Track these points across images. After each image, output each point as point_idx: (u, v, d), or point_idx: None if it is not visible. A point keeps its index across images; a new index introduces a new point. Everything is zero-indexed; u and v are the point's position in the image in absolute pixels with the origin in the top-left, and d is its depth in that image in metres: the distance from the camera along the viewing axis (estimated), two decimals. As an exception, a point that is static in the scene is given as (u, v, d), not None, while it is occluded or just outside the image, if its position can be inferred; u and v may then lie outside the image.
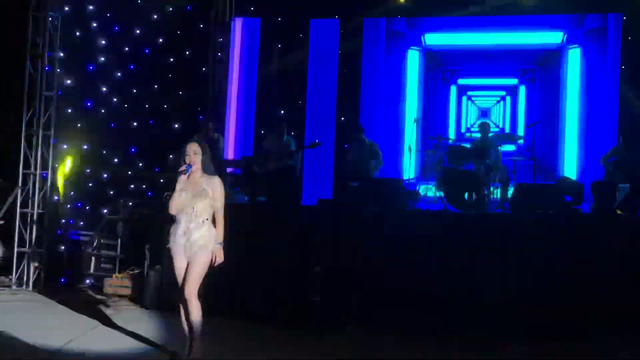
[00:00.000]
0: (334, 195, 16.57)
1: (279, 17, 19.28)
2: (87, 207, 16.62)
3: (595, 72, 17.73)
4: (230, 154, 18.09)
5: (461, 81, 18.88)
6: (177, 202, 8.47)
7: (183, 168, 8.55)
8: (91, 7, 16.71)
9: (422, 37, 18.87)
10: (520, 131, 18.13)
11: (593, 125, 17.60)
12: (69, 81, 16.21)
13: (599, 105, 17.57)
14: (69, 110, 16.36)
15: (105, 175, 17.07)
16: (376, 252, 11.83)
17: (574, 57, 18.04)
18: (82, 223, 16.12)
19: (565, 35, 18.10)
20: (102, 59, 17.03)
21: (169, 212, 8.60)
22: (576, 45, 18.00)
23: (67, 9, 15.98)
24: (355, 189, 14.30)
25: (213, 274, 8.69)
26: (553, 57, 18.29)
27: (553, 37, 18.27)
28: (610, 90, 17.42)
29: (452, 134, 18.29)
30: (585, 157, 17.47)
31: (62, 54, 15.41)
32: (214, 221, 8.55)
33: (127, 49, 17.51)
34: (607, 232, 11.61)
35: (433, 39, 18.89)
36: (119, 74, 17.38)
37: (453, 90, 18.89)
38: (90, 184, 16.89)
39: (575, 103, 17.93)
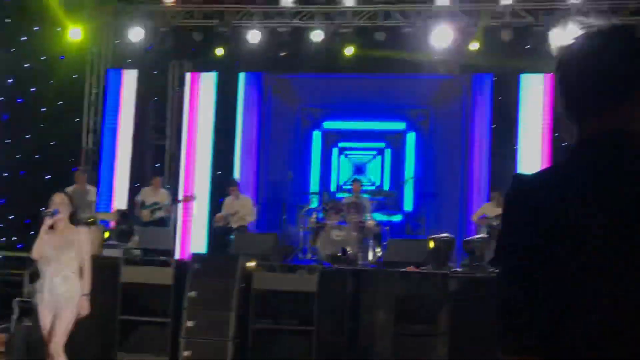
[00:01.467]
0: (209, 249, 16.51)
1: (153, 70, 19.22)
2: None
3: (465, 130, 18.14)
4: (104, 206, 17.84)
5: (341, 144, 19.07)
6: (41, 250, 8.32)
7: (49, 211, 8.40)
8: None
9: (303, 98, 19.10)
10: (393, 187, 18.34)
11: (463, 182, 17.96)
12: None
13: (470, 163, 17.95)
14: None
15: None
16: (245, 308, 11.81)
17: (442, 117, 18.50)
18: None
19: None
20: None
21: (32, 256, 8.44)
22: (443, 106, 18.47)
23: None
24: (230, 242, 14.27)
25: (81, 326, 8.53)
26: (422, 117, 18.65)
27: (420, 100, 18.70)
28: (481, 148, 17.83)
29: (327, 189, 18.39)
30: (457, 214, 17.76)
31: None
32: (81, 273, 8.40)
33: (1, 98, 17.20)
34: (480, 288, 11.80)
35: (311, 97, 19.10)
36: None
37: (319, 139, 19.04)
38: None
39: (444, 161, 18.32)
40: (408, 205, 17.89)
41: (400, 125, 18.87)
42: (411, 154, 18.69)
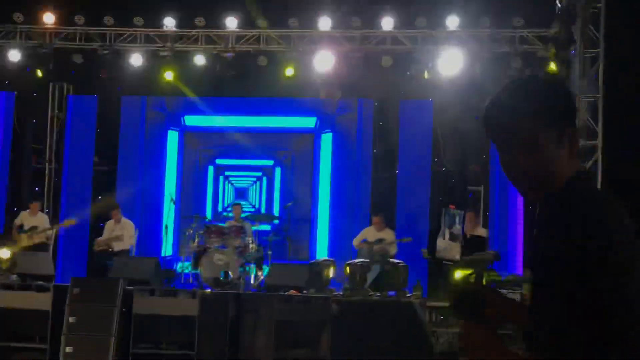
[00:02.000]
0: (89, 273, 16.34)
1: (33, 92, 18.96)
2: None
3: (347, 155, 18.34)
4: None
5: (219, 161, 19.04)
6: None
7: None
8: None
9: (182, 119, 18.99)
10: (276, 211, 18.42)
11: (345, 206, 18.14)
12: None
13: (351, 187, 18.15)
14: None
15: None
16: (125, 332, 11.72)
17: (327, 141, 18.61)
18: None
19: (319, 121, 18.65)
20: None
21: None
22: (328, 130, 18.57)
23: None
24: (111, 266, 14.14)
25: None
26: (307, 141, 18.78)
27: (307, 122, 18.81)
28: (362, 172, 18.05)
29: (209, 213, 18.39)
30: (338, 238, 17.91)
31: None
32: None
33: None
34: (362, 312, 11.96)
35: (192, 120, 19.03)
36: None
37: (211, 170, 19.02)
38: None
39: (327, 185, 18.47)
40: (291, 230, 17.96)
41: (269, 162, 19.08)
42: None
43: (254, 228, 16.09)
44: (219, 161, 19.09)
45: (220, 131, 18.95)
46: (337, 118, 18.55)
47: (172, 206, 17.55)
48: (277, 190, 18.85)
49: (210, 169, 19.07)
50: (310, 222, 18.37)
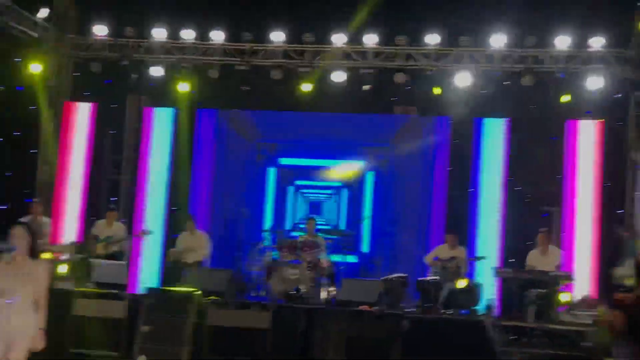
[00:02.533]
0: (162, 284, 16.47)
1: (111, 103, 19.25)
2: None
3: (421, 174, 18.34)
4: (59, 239, 17.76)
5: (299, 182, 19.18)
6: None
7: (7, 247, 8.34)
8: None
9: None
10: (350, 227, 18.39)
11: (418, 224, 18.10)
12: None
13: (425, 205, 18.11)
14: None
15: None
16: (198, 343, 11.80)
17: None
18: None
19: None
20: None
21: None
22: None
23: None
24: (184, 278, 14.26)
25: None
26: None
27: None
28: (437, 190, 18.00)
29: (282, 227, 18.44)
30: (410, 255, 17.85)
31: None
32: (36, 306, 8.34)
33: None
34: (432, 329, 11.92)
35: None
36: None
37: (291, 189, 19.14)
38: None
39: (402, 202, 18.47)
40: (365, 246, 17.95)
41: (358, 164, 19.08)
42: (369, 192, 18.86)
43: (327, 243, 16.08)
44: (298, 182, 19.23)
45: (297, 147, 19.19)
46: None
47: (246, 219, 17.67)
48: (345, 208, 18.87)
49: (291, 188, 19.24)
50: (385, 237, 18.32)
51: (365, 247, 17.59)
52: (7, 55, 17.27)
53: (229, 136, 19.24)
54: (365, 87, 17.15)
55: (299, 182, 19.22)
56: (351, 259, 16.95)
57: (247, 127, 19.28)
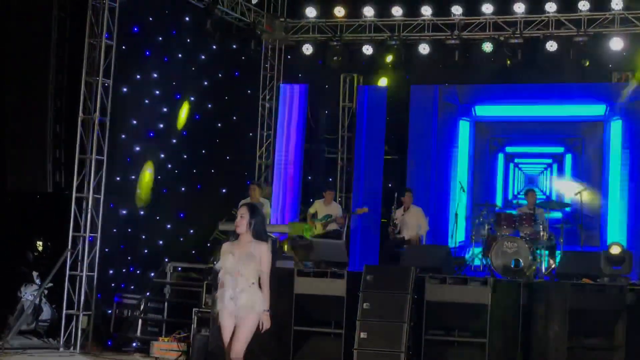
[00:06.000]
0: (381, 261, 16.59)
1: (324, 84, 19.53)
2: (138, 271, 16.67)
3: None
4: (276, 219, 18.18)
5: (509, 149, 18.82)
6: (223, 262, 8.53)
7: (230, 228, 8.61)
8: (155, 76, 16.86)
9: (472, 109, 18.90)
10: (567, 198, 17.97)
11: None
12: (137, 148, 16.47)
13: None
14: (132, 177, 16.52)
15: (161, 242, 17.10)
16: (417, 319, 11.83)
17: (616, 129, 17.97)
18: (132, 287, 16.16)
19: (608, 108, 18.04)
20: (161, 125, 17.21)
21: (216, 268, 8.69)
22: (617, 118, 17.92)
23: (138, 77, 16.30)
24: (401, 254, 14.32)
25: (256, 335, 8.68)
26: (597, 128, 18.21)
27: (595, 110, 18.24)
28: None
29: (499, 200, 18.22)
30: (635, 226, 17.31)
31: (130, 120, 15.78)
32: (260, 285, 8.55)
33: (183, 115, 17.66)
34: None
35: (483, 110, 18.91)
36: (174, 140, 17.55)
37: (501, 157, 18.83)
38: (153, 251, 16.87)
39: (618, 173, 17.80)
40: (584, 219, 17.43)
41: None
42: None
43: (546, 216, 15.78)
44: (508, 149, 18.88)
45: (509, 120, 18.80)
46: (628, 105, 17.85)
47: (463, 195, 17.57)
48: (568, 177, 18.39)
49: (500, 156, 18.89)
50: (603, 209, 17.84)
51: (584, 219, 17.13)
52: (223, 41, 17.74)
53: (444, 114, 19.10)
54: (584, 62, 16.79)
55: (518, 160, 18.86)
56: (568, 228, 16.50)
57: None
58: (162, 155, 17.22)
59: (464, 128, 18.98)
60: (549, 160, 18.67)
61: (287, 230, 16.11)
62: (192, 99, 17.62)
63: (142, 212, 16.65)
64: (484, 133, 18.98)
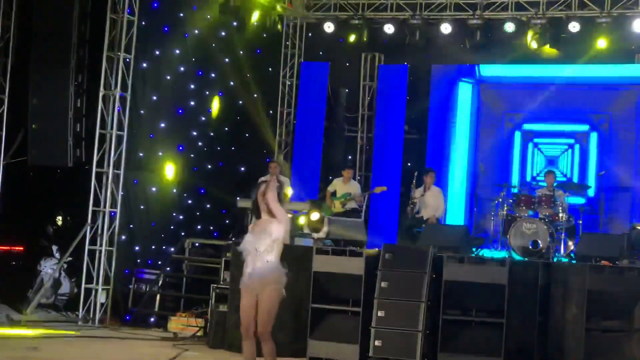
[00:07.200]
0: (399, 240, 16.58)
1: (346, 62, 19.51)
2: (154, 247, 16.72)
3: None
4: (296, 196, 18.18)
5: (527, 126, 18.65)
6: (243, 245, 8.61)
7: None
8: (177, 52, 16.88)
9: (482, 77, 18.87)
10: (590, 181, 17.83)
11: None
12: (162, 124, 16.51)
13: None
14: (160, 153, 16.55)
15: (181, 217, 17.15)
16: (434, 299, 11.82)
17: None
18: (150, 262, 16.24)
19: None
20: (192, 103, 17.26)
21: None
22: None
23: (157, 53, 16.33)
24: (420, 233, 14.32)
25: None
26: (627, 100, 18.02)
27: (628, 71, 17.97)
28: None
29: (516, 181, 18.12)
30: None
31: (152, 96, 15.88)
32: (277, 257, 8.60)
33: (207, 92, 17.68)
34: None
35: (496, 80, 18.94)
36: (203, 118, 17.60)
37: (517, 136, 18.67)
38: (172, 227, 16.92)
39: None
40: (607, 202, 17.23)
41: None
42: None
43: (567, 200, 15.70)
44: (526, 126, 18.74)
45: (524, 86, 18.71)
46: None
47: (483, 175, 17.49)
48: (594, 159, 18.17)
49: (517, 134, 18.77)
50: (632, 192, 17.59)
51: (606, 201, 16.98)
52: (244, 19, 17.74)
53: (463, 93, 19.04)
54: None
55: (537, 140, 18.72)
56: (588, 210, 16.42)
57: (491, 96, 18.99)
58: (194, 133, 17.29)
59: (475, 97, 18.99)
60: (572, 140, 18.47)
61: (306, 208, 16.11)
62: (213, 75, 17.63)
63: (174, 190, 16.74)
64: (497, 107, 18.84)
